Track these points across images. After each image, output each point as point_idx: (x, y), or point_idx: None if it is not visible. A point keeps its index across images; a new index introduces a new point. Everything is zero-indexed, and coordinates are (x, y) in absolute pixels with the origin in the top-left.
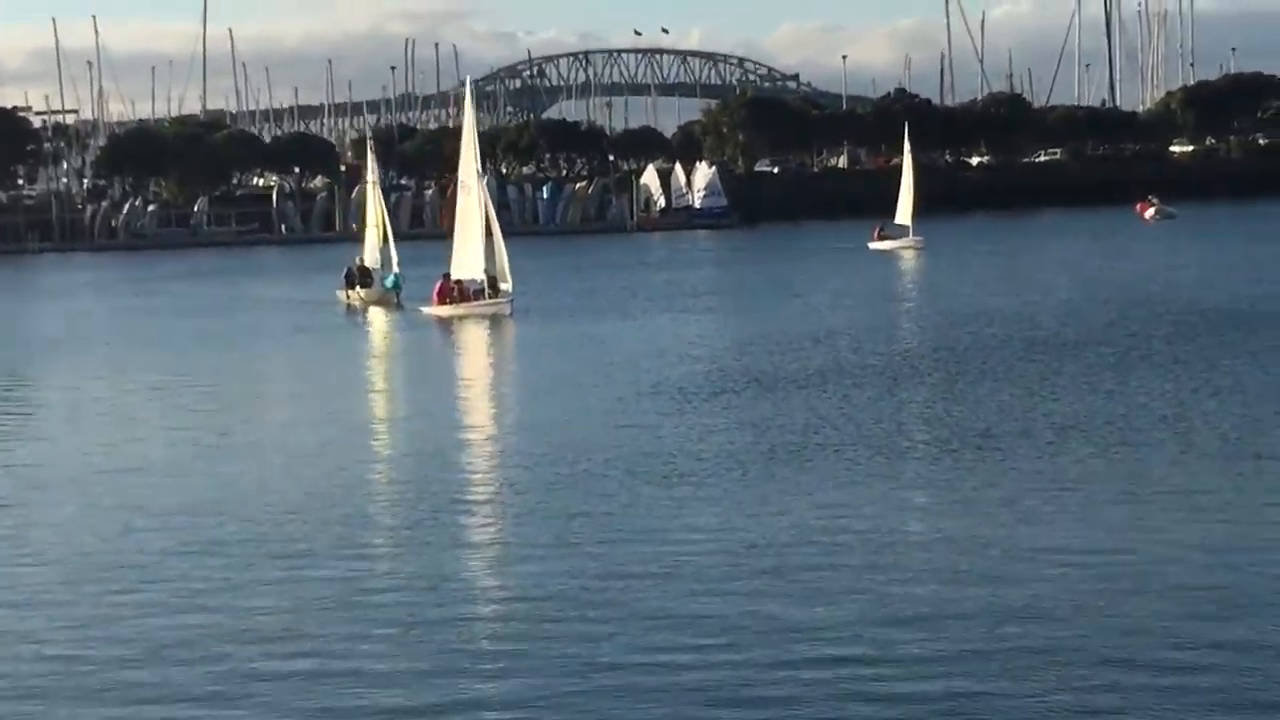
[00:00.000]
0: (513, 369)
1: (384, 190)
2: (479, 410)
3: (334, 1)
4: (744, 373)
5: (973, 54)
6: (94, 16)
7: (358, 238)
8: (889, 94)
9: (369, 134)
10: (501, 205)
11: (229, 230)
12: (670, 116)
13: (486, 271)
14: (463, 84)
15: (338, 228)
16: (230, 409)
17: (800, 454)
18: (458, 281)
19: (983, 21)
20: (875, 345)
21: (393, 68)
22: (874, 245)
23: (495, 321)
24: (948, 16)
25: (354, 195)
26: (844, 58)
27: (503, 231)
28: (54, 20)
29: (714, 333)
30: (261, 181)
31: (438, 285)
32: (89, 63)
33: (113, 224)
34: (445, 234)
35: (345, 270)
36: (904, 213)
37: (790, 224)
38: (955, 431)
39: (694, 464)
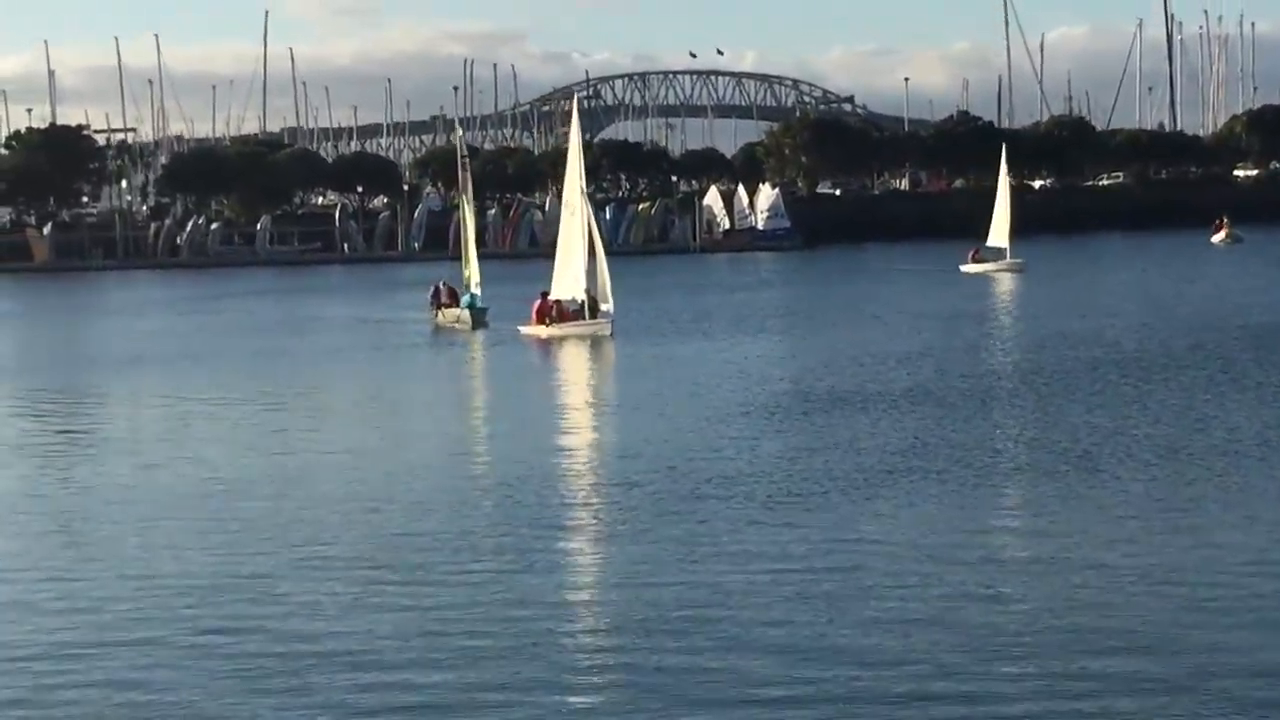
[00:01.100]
0: (612, 389)
1: (446, 210)
2: (582, 429)
3: (385, 22)
4: (857, 391)
5: (1029, 77)
6: (156, 36)
7: (454, 256)
8: (951, 116)
9: (463, 152)
10: None
11: (292, 249)
12: (726, 138)
13: (587, 291)
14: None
15: (400, 247)
16: (340, 425)
17: (897, 475)
18: (557, 301)
19: (1041, 44)
20: (1006, 364)
21: (455, 88)
22: (967, 268)
23: (595, 342)
24: (1007, 39)
25: (415, 215)
26: (906, 80)
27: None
28: (116, 39)
29: (832, 353)
30: (322, 200)
31: (536, 305)
32: (150, 81)
33: (176, 242)
34: (507, 254)
35: (432, 289)
36: (1000, 235)
37: (853, 246)
38: (1059, 453)
39: (795, 484)
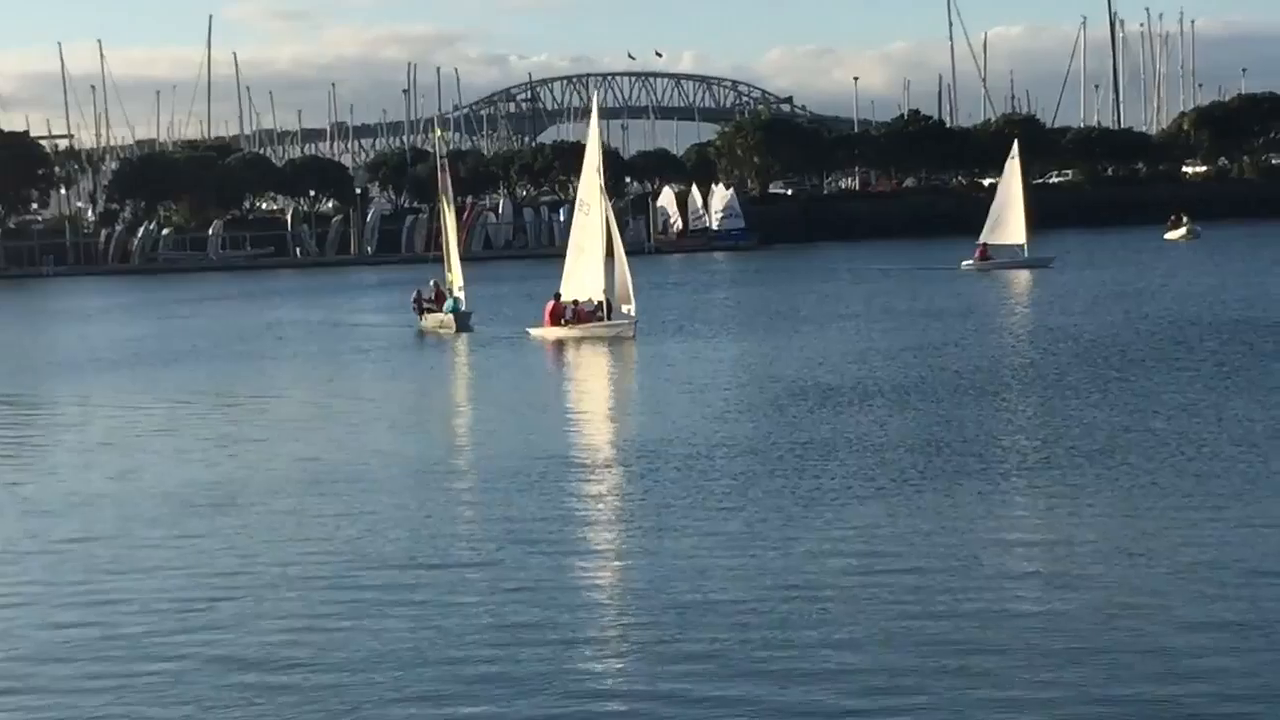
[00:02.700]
0: (637, 387)
1: (398, 214)
2: (611, 425)
3: (325, 26)
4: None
5: (971, 76)
6: (99, 41)
7: (438, 259)
8: (901, 115)
9: (440, 152)
10: (518, 228)
11: (244, 254)
12: (668, 139)
13: (604, 292)
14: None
15: (353, 251)
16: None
17: (909, 471)
18: (574, 301)
19: (984, 43)
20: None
21: (405, 91)
22: (969, 264)
23: (615, 343)
24: (951, 39)
25: (368, 218)
26: (856, 79)
27: (519, 254)
28: (60, 45)
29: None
30: (273, 205)
31: (549, 306)
32: (92, 87)
33: (128, 248)
34: (461, 256)
35: (415, 293)
36: (1018, 231)
37: (806, 245)
38: (1094, 447)
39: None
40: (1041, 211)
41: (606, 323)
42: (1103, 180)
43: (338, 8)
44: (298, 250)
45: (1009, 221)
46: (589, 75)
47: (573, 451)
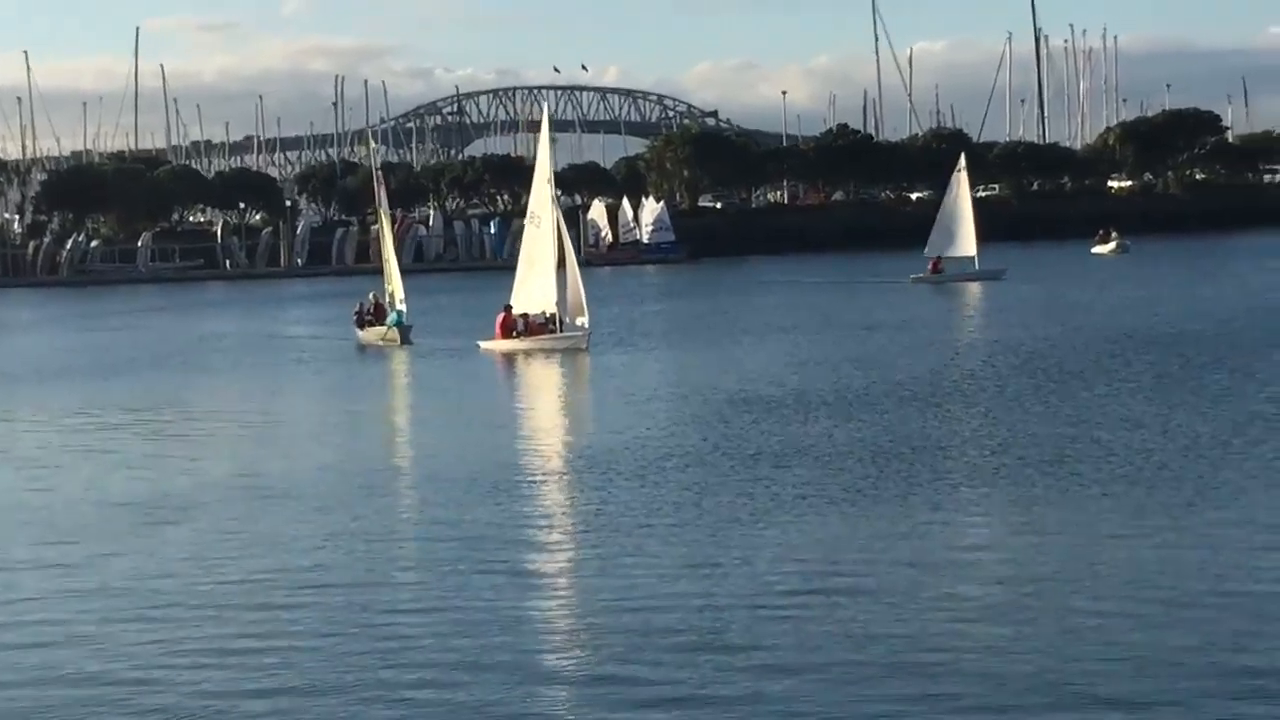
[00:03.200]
0: (583, 400)
1: (327, 226)
2: (564, 435)
3: (251, 39)
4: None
5: (896, 90)
6: (25, 52)
7: (376, 270)
8: (830, 129)
9: (376, 164)
10: (449, 241)
11: (174, 266)
12: (594, 153)
13: (555, 305)
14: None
15: (283, 263)
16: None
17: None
18: (524, 315)
19: (910, 58)
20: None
21: (334, 103)
22: (919, 277)
23: (567, 356)
24: (877, 53)
25: (299, 229)
26: (784, 93)
27: (450, 266)
28: None
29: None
30: (202, 218)
31: (500, 318)
32: (19, 98)
33: (56, 259)
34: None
35: (358, 305)
36: (968, 243)
37: (736, 259)
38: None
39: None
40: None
41: (559, 335)
42: (1029, 195)
43: (263, 20)
44: (227, 262)
45: (958, 234)
46: (515, 89)
47: (518, 465)
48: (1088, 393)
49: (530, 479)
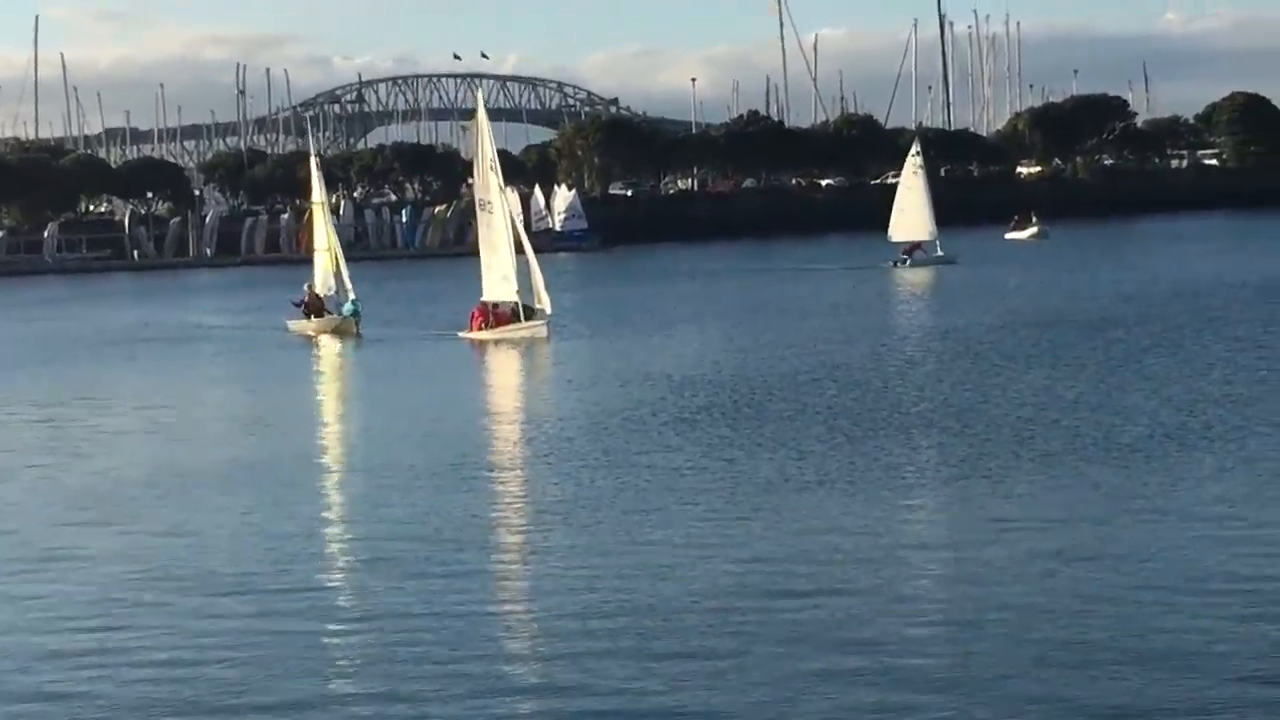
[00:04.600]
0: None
1: (238, 216)
2: (507, 426)
3: (147, 27)
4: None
5: (801, 76)
6: None
7: (309, 261)
8: (741, 116)
9: (314, 152)
10: (359, 230)
11: (81, 257)
12: (497, 141)
13: (517, 294)
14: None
15: (191, 253)
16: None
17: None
18: (494, 305)
19: (815, 44)
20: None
21: (240, 91)
22: (901, 261)
23: (530, 345)
24: (782, 40)
25: (208, 219)
26: (693, 80)
27: (362, 256)
28: None
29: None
30: (105, 207)
31: (475, 310)
32: None
33: None
34: (301, 258)
35: (302, 298)
36: (923, 228)
37: (648, 246)
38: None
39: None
40: (874, 212)
41: (521, 325)
42: (939, 181)
43: (159, 8)
44: (135, 253)
45: (916, 220)
46: (415, 76)
47: (473, 454)
48: (1036, 374)
49: (485, 469)
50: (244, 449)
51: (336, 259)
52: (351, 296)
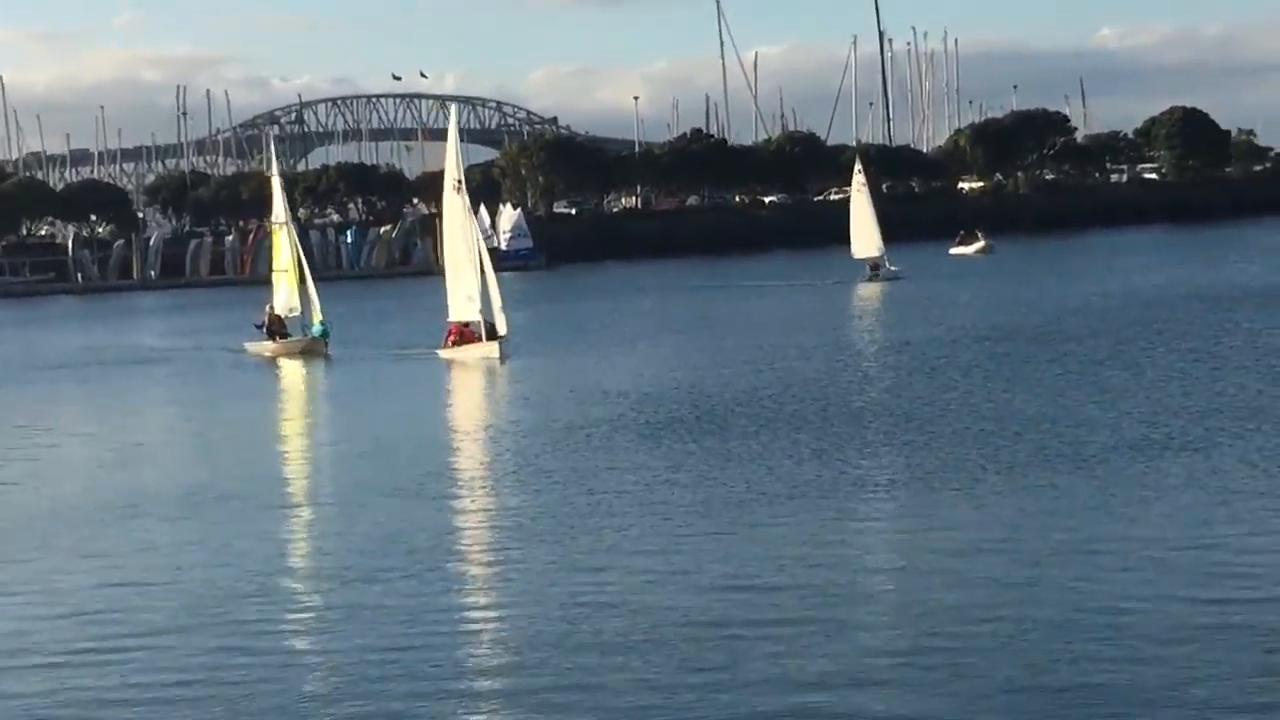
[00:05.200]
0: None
1: (182, 238)
2: (474, 445)
3: (84, 48)
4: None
5: (741, 93)
6: None
7: (255, 283)
8: (684, 134)
9: (274, 173)
10: (305, 250)
11: (24, 280)
12: (436, 160)
13: (481, 313)
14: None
15: (136, 276)
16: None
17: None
18: (465, 324)
19: (755, 61)
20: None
21: (183, 113)
22: (868, 277)
23: (488, 365)
24: (723, 57)
25: (152, 241)
26: (636, 99)
27: (310, 275)
28: None
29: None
30: (49, 230)
31: (451, 327)
32: None
33: None
34: (246, 279)
35: (265, 319)
36: (873, 243)
37: (592, 265)
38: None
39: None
40: (817, 229)
41: (476, 345)
42: (882, 197)
43: (95, 30)
44: (79, 275)
45: (865, 236)
46: (354, 97)
47: (432, 476)
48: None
49: (449, 488)
50: (213, 471)
51: (303, 278)
52: (319, 317)
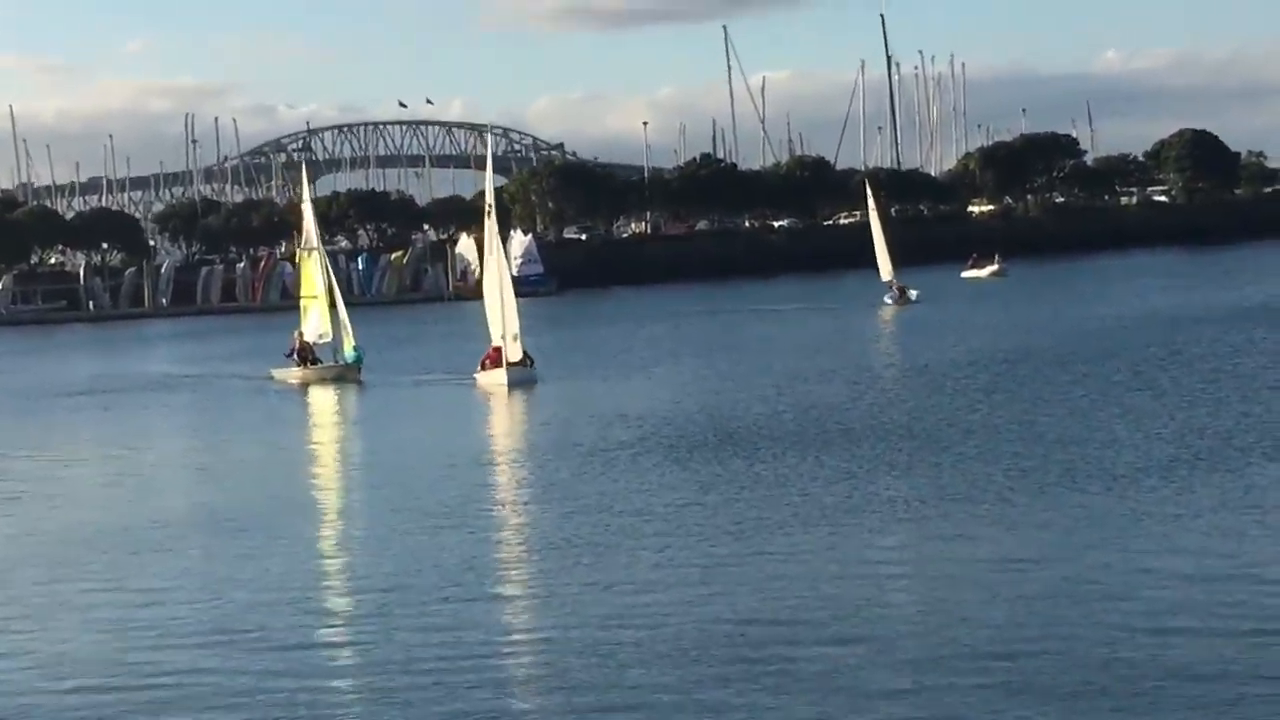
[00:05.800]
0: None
1: (193, 265)
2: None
3: (91, 78)
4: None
5: (749, 118)
6: None
7: (267, 310)
8: (694, 159)
9: (305, 199)
10: None
11: (37, 308)
12: (444, 187)
13: (515, 337)
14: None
15: (147, 304)
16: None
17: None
18: (497, 349)
19: (762, 87)
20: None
21: (194, 141)
22: (894, 301)
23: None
24: (730, 84)
25: (163, 269)
26: (645, 124)
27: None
28: None
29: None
30: (57, 259)
31: (488, 352)
32: None
33: None
34: (257, 308)
35: (293, 346)
36: (885, 268)
37: (603, 290)
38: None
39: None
40: (834, 253)
41: (508, 368)
42: (891, 221)
43: (102, 60)
44: (91, 304)
45: (880, 259)
46: (360, 124)
47: (470, 496)
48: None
49: (478, 512)
50: (243, 495)
51: (334, 304)
52: (351, 343)
